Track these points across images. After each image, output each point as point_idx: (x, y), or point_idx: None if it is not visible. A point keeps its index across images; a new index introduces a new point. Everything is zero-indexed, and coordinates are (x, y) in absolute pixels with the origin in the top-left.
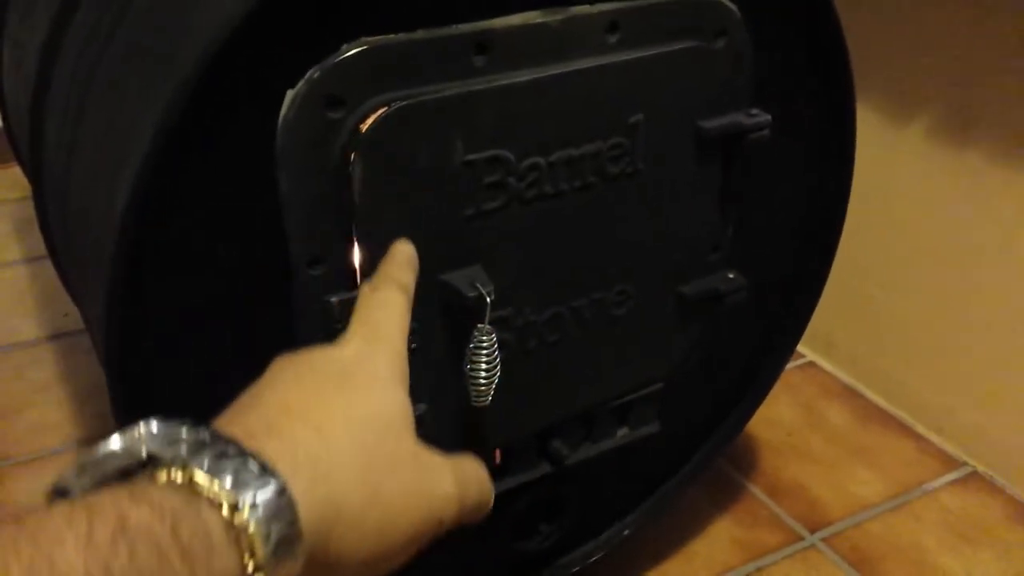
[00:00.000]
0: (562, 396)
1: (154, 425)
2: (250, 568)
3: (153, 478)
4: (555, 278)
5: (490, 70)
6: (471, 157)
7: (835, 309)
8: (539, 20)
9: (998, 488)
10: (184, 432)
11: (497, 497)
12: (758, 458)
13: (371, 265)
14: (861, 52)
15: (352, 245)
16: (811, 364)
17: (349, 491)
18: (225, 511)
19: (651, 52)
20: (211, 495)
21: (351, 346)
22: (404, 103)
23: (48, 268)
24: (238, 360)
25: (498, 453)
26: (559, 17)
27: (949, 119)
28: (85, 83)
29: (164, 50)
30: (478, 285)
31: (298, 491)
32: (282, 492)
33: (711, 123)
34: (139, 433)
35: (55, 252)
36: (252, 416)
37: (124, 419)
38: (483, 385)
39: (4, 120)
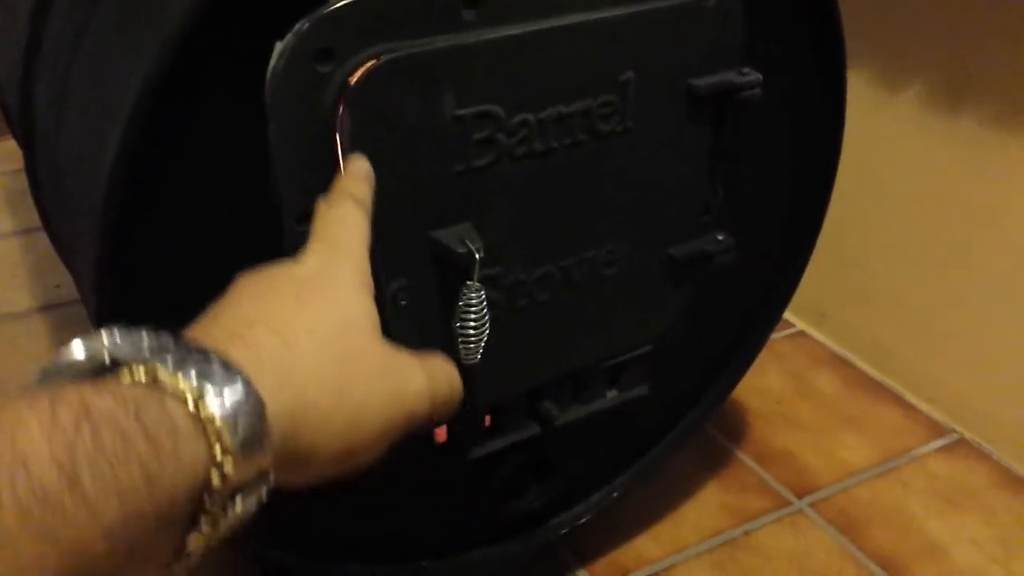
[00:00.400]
0: (552, 356)
1: (116, 333)
2: (218, 456)
3: (116, 378)
4: (545, 237)
5: (480, 24)
6: (461, 112)
7: (826, 279)
8: None
9: (985, 454)
10: (146, 337)
11: (488, 457)
12: (748, 426)
13: None
14: (855, 19)
15: None
16: (801, 333)
17: (315, 391)
18: (190, 404)
19: (643, 8)
20: (175, 390)
21: (311, 260)
22: (393, 56)
23: (41, 240)
24: None
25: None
26: None
27: (942, 86)
28: (74, 41)
29: (152, 3)
30: (467, 242)
31: (264, 390)
32: (248, 388)
33: (702, 81)
34: (102, 340)
35: (47, 220)
36: (214, 328)
37: None
38: (472, 342)
39: None
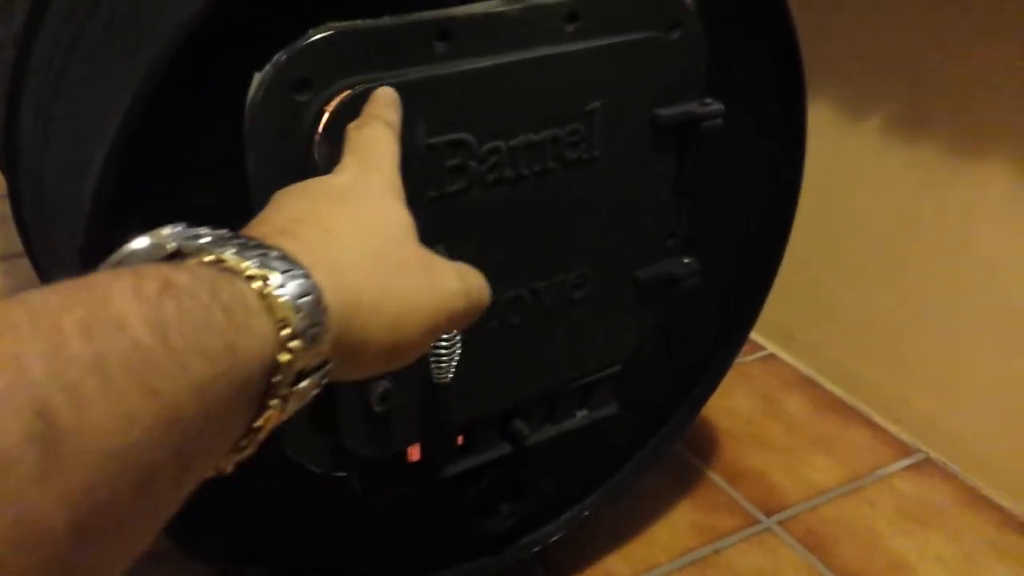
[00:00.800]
0: (523, 377)
1: (179, 226)
2: (285, 336)
3: (183, 262)
4: (516, 260)
5: (452, 56)
6: (434, 140)
7: (794, 302)
8: (500, 9)
9: (950, 474)
10: (207, 230)
11: (459, 476)
12: (718, 446)
13: None
14: (818, 52)
15: None
16: (771, 356)
17: (363, 286)
18: (256, 284)
19: (608, 41)
20: (242, 273)
21: (345, 172)
22: (368, 86)
23: (22, 266)
24: None
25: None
26: (519, 6)
27: (902, 115)
28: (60, 71)
29: (136, 34)
30: None
31: (319, 279)
32: (307, 277)
33: (666, 111)
34: (166, 231)
35: (30, 244)
36: (263, 227)
37: None
38: (444, 362)
39: None
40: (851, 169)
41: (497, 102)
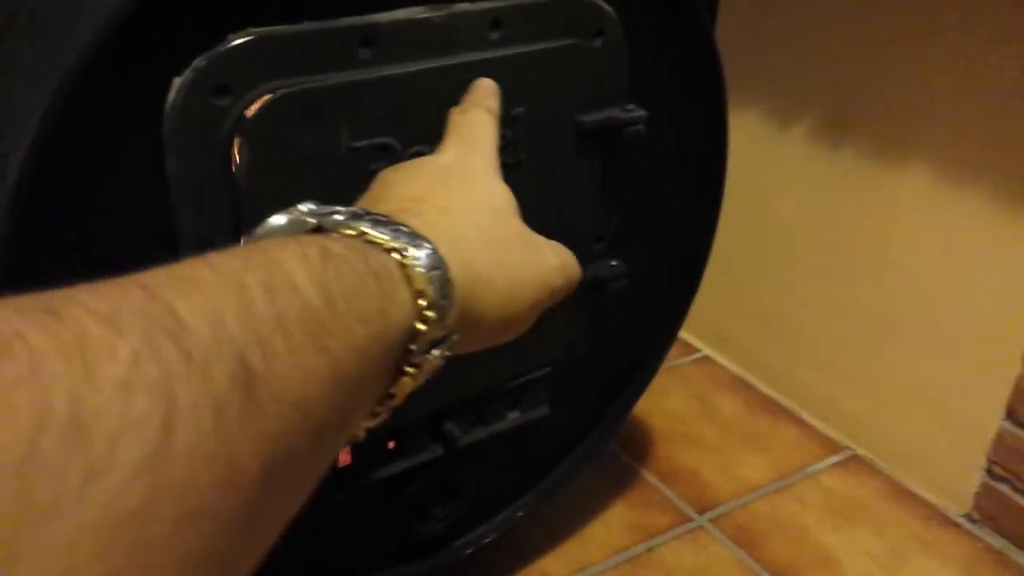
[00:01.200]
0: (454, 378)
1: (312, 204)
2: (422, 305)
3: (328, 235)
4: None
5: (376, 62)
6: (357, 144)
7: (728, 306)
8: (423, 15)
9: (877, 470)
10: (341, 207)
11: (392, 479)
12: (653, 446)
13: None
14: (745, 61)
15: (239, 228)
16: (706, 358)
17: (479, 259)
18: (396, 256)
19: (532, 48)
20: (384, 245)
21: (450, 152)
22: (288, 90)
23: None
24: None
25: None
26: (443, 13)
27: (826, 123)
28: None
29: (57, 35)
30: None
31: (444, 254)
32: (435, 251)
33: (589, 117)
34: (303, 208)
35: None
36: (384, 206)
37: None
38: None
39: None
40: (780, 175)
41: (422, 107)
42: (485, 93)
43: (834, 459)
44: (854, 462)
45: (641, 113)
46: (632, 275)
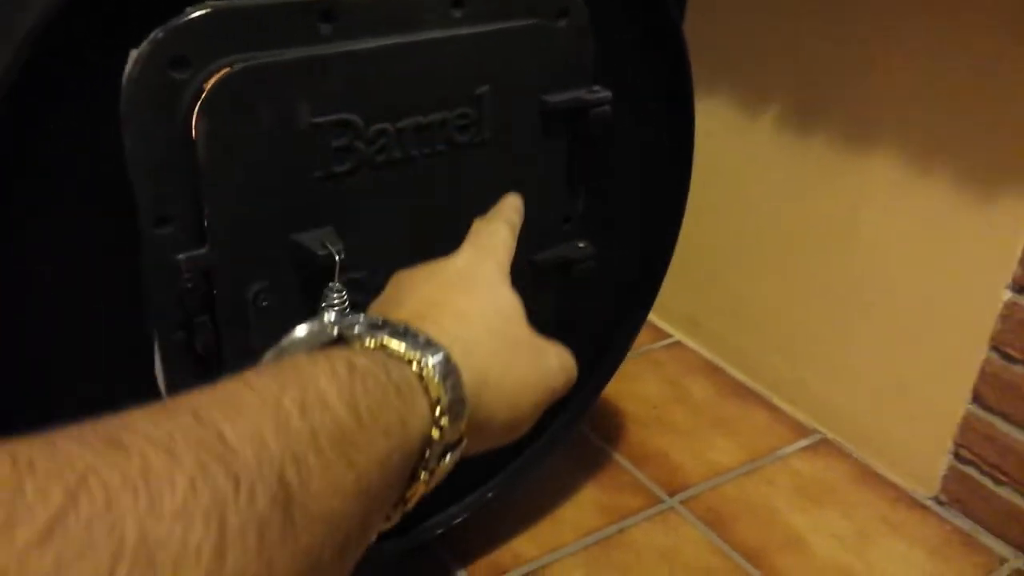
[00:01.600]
0: None
1: (333, 315)
2: (437, 413)
3: (350, 347)
4: (408, 243)
5: (336, 37)
6: (318, 120)
7: (698, 291)
8: None
9: (845, 453)
10: (361, 318)
11: None
12: (625, 430)
13: (218, 224)
14: (714, 48)
15: (199, 205)
16: (677, 343)
17: (489, 363)
18: (414, 367)
19: (495, 27)
20: (402, 355)
21: (463, 256)
22: (246, 64)
23: None
24: (85, 322)
25: None
26: None
27: (794, 110)
28: None
29: (6, 11)
30: (328, 244)
31: (457, 359)
32: (448, 358)
33: (554, 98)
34: (326, 319)
35: None
36: (402, 312)
37: None
38: None
39: None
40: (749, 163)
41: (384, 84)
42: (510, 207)
43: (803, 443)
44: (823, 445)
45: (607, 94)
46: (600, 258)
